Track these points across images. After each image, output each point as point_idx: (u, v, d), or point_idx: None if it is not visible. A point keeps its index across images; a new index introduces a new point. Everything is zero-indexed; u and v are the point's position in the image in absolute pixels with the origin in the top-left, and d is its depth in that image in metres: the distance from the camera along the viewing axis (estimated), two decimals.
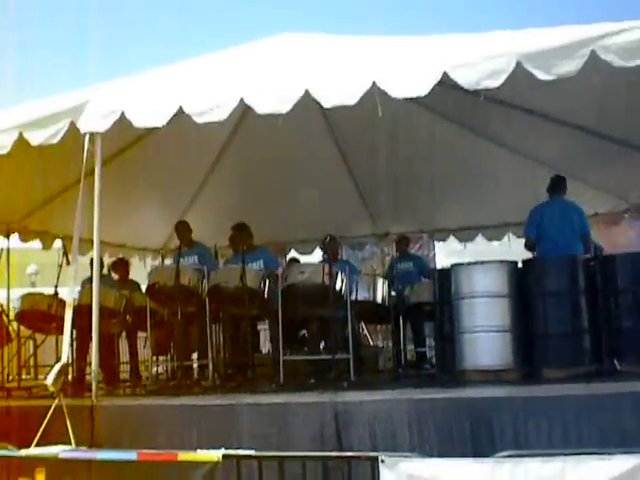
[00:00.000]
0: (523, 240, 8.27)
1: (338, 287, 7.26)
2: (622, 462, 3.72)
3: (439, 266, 10.98)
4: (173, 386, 7.72)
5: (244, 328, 7.96)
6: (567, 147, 9.02)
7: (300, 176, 10.28)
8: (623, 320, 6.67)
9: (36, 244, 10.31)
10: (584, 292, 6.79)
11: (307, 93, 5.77)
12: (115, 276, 9.84)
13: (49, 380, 5.90)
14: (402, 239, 10.58)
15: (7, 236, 9.74)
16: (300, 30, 7.91)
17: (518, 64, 5.40)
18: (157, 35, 36.20)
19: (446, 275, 7.19)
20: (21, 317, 8.65)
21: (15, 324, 8.96)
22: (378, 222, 12.26)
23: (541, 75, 5.41)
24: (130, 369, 9.29)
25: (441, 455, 4.80)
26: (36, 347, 9.47)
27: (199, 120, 6.05)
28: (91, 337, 6.34)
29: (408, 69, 5.78)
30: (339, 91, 5.78)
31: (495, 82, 5.49)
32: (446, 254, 13.20)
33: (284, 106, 5.80)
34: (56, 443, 5.16)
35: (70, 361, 6.74)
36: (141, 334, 9.21)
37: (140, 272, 10.63)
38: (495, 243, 11.98)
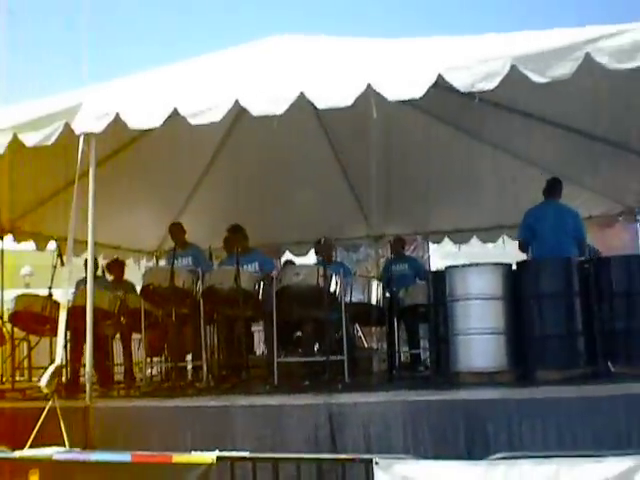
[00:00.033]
0: (517, 242, 8.29)
1: (333, 289, 7.26)
2: (616, 464, 3.73)
3: (433, 268, 10.98)
4: (167, 387, 7.72)
5: (238, 329, 7.95)
6: (562, 149, 9.04)
7: (295, 178, 10.29)
8: (617, 322, 6.68)
9: (30, 245, 10.29)
10: (578, 294, 6.80)
11: (302, 95, 5.76)
12: (109, 277, 9.82)
13: (43, 382, 5.88)
14: (397, 241, 10.57)
15: (1, 237, 9.71)
16: (300, 31, 7.94)
17: (513, 67, 5.41)
18: (156, 35, 36.21)
19: (440, 277, 7.19)
20: (15, 318, 8.63)
21: (9, 325, 8.94)
22: (373, 224, 12.26)
23: (536, 78, 5.42)
24: (124, 370, 9.27)
25: (435, 457, 4.79)
26: (30, 349, 9.47)
27: (194, 121, 6.04)
28: (85, 339, 6.32)
29: (403, 71, 5.78)
30: (334, 93, 5.78)
31: (490, 84, 5.49)
32: (441, 256, 13.19)
33: (279, 108, 5.79)
34: (50, 445, 5.15)
35: (64, 363, 6.74)
36: (135, 335, 9.20)
37: (135, 273, 10.61)
38: (490, 245, 12.00)
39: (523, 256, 8.10)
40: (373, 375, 8.68)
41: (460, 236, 11.99)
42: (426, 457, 4.81)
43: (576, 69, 5.32)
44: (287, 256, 12.28)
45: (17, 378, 9.14)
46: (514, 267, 6.99)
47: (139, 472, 4.54)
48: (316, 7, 34.09)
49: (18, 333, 9.08)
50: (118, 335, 9.15)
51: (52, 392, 5.85)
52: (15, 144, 6.46)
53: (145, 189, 10.10)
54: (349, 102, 5.68)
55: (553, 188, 8.00)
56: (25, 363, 9.98)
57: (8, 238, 9.83)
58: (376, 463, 4.03)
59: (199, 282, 7.75)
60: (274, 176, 10.29)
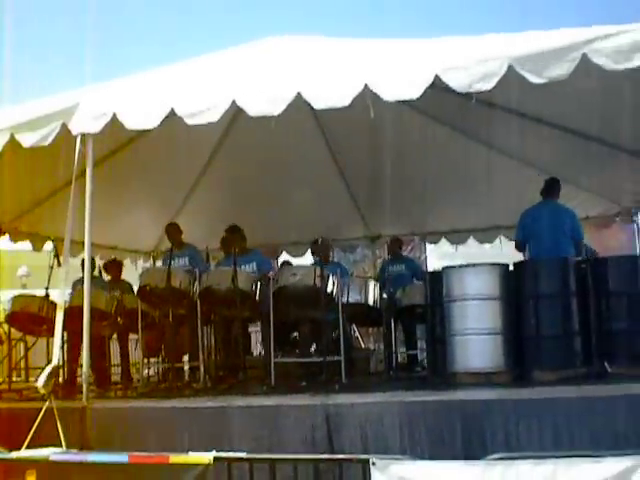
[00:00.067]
0: (514, 243, 8.30)
1: (330, 289, 7.26)
2: (613, 464, 3.74)
3: (430, 268, 10.99)
4: (164, 388, 7.72)
5: (235, 330, 7.95)
6: (559, 150, 9.04)
7: (292, 178, 10.28)
8: (614, 322, 6.69)
9: (27, 246, 10.28)
10: (575, 294, 6.80)
11: (299, 95, 5.77)
12: (106, 277, 9.81)
13: (40, 382, 5.88)
14: (395, 241, 10.55)
15: None
16: (300, 31, 7.95)
17: (510, 67, 5.41)
18: (156, 35, 36.16)
19: (437, 278, 7.20)
20: (12, 319, 8.62)
21: (6, 326, 8.94)
22: (370, 224, 12.27)
23: (533, 78, 5.42)
24: (121, 371, 9.26)
25: (432, 457, 4.80)
26: (27, 349, 9.45)
27: (191, 122, 6.04)
28: (82, 339, 6.32)
29: (400, 72, 5.78)
30: (331, 93, 5.79)
31: (487, 85, 5.50)
32: (438, 257, 13.19)
33: (276, 108, 5.79)
34: (47, 445, 5.16)
35: (61, 363, 6.73)
36: (132, 336, 9.19)
37: (132, 274, 10.60)
38: (487, 246, 12.00)
39: (520, 256, 8.11)
40: (370, 376, 8.68)
41: (457, 236, 12.00)
42: (423, 457, 4.83)
43: (573, 70, 5.33)
44: (284, 257, 12.27)
45: (14, 379, 9.11)
46: (511, 267, 7.00)
47: (136, 473, 4.53)
48: (316, 7, 34.12)
49: (15, 334, 9.06)
50: (115, 336, 9.15)
51: (49, 393, 5.85)
52: (12, 144, 6.46)
53: (142, 189, 10.08)
54: (346, 102, 5.68)
55: (551, 188, 8.00)
56: (22, 364, 9.95)
57: (5, 238, 9.81)
58: (373, 464, 4.03)
59: (196, 283, 7.75)
60: (271, 176, 10.28)
